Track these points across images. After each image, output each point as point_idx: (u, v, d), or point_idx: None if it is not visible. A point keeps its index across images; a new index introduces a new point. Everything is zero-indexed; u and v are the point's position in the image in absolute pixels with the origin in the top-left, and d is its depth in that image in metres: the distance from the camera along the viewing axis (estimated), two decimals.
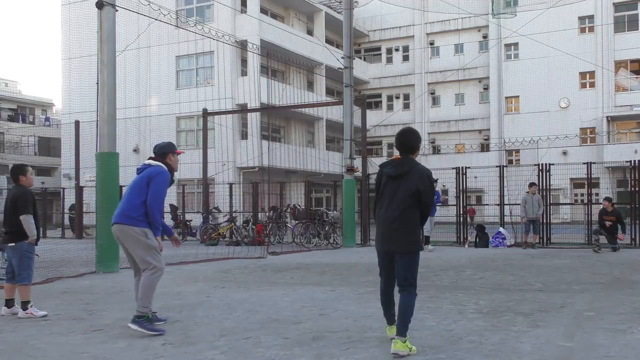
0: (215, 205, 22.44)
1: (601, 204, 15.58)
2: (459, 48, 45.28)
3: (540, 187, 16.89)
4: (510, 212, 17.95)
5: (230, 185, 22.11)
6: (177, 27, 30.27)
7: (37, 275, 10.04)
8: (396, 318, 4.73)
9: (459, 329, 5.59)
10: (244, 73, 34.61)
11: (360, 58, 46.44)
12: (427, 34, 46.30)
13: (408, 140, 4.87)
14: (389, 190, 4.77)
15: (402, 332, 4.64)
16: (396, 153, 5.13)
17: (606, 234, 15.00)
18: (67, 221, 25.89)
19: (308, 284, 9.00)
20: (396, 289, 4.84)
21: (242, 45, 29.68)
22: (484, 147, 43.33)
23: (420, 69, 46.33)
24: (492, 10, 37.56)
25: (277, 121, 37.15)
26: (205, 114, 22.83)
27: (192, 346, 5.03)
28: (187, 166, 32.35)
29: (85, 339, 5.32)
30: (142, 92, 35.80)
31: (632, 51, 39.18)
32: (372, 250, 17.99)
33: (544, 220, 16.69)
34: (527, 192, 16.09)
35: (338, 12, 40.89)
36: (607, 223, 14.82)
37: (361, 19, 46.36)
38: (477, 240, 17.27)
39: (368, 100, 47.37)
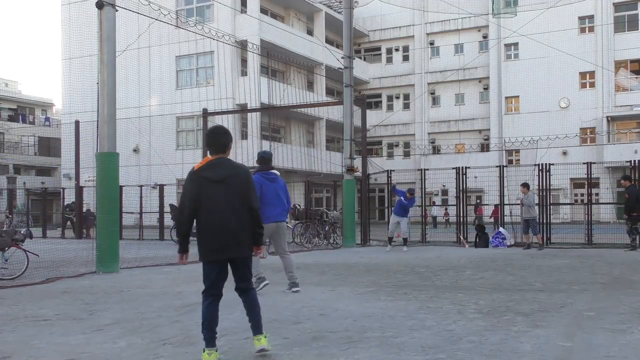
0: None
1: (601, 203, 15.70)
2: (459, 48, 45.27)
3: (540, 187, 16.85)
4: (511, 212, 17.94)
5: None
6: (177, 27, 30.27)
7: (37, 275, 10.07)
8: (250, 318, 4.73)
9: (459, 329, 5.59)
10: (244, 73, 34.60)
11: (360, 58, 46.43)
12: (427, 34, 46.30)
13: (225, 139, 4.67)
14: (213, 195, 4.50)
15: (261, 328, 4.72)
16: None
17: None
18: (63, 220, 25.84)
19: (308, 284, 9.00)
20: (231, 295, 4.83)
21: (242, 45, 29.68)
22: (484, 147, 43.34)
23: (420, 69, 46.32)
24: (492, 10, 37.58)
25: (277, 121, 37.14)
26: (205, 114, 22.83)
27: (192, 346, 5.02)
28: (187, 166, 32.54)
29: (85, 339, 5.32)
30: (143, 92, 35.81)
31: (632, 51, 39.20)
32: (373, 250, 17.74)
33: (544, 220, 16.65)
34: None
35: (338, 12, 40.88)
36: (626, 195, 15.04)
37: (361, 19, 46.35)
38: (477, 240, 17.27)
39: (368, 100, 47.38)
